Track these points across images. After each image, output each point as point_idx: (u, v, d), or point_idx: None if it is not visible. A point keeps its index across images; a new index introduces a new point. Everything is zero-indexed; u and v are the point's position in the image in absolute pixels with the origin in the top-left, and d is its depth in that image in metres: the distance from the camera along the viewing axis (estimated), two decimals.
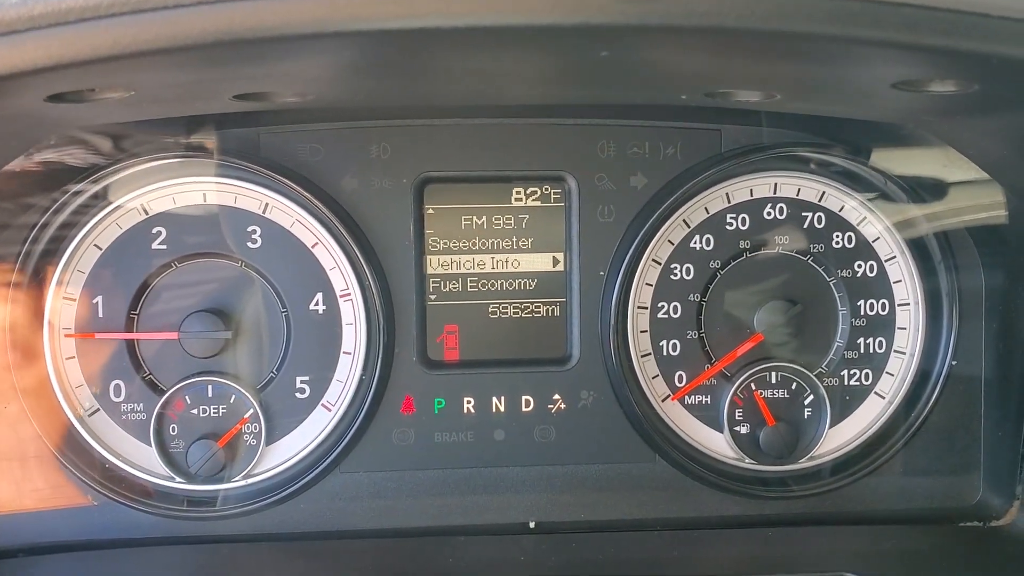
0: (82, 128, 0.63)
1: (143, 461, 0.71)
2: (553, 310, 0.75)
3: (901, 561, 0.68)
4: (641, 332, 0.74)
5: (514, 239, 0.76)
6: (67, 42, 0.44)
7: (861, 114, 0.66)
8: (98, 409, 0.73)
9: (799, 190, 0.74)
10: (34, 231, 0.70)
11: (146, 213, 0.71)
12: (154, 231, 0.73)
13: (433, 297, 0.77)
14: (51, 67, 0.45)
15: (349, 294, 0.74)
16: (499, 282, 0.75)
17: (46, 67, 0.45)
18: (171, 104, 0.61)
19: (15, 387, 0.71)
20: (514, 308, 0.77)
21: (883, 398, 0.76)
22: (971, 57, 0.45)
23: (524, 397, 0.75)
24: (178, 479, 0.71)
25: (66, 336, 0.71)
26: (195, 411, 0.74)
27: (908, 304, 0.74)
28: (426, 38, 0.44)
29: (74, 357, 0.71)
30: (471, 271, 0.76)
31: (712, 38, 0.45)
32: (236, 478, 0.72)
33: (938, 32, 0.44)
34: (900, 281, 0.74)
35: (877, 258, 0.75)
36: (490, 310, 0.76)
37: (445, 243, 0.75)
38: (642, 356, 0.75)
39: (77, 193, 0.71)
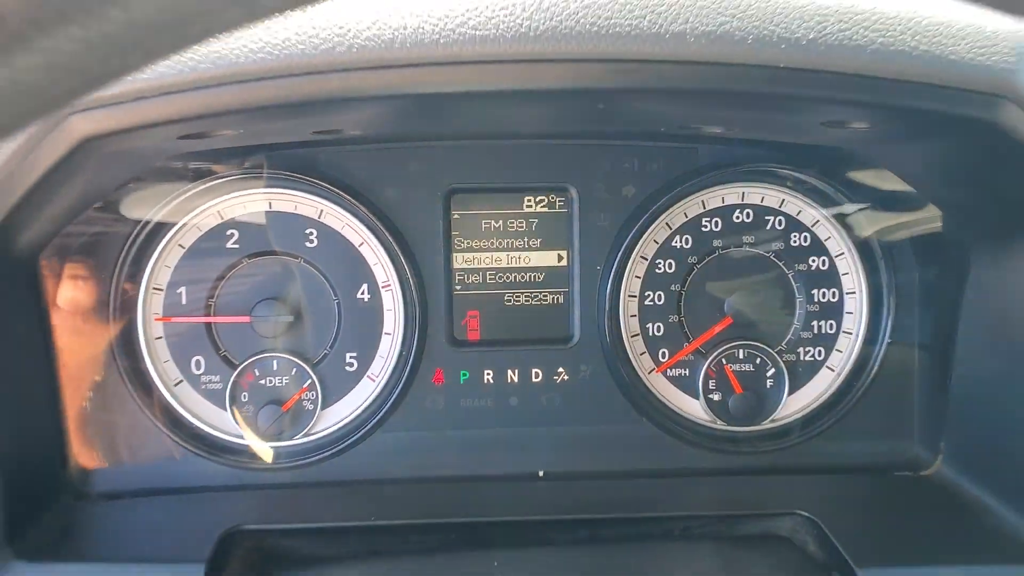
0: (187, 154, 0.74)
1: (220, 423, 0.82)
2: (558, 298, 0.86)
3: (845, 502, 0.78)
4: (631, 316, 0.85)
5: (525, 239, 0.86)
6: (193, 103, 0.56)
7: (805, 141, 0.76)
8: (182, 380, 0.83)
9: (763, 198, 0.85)
10: (133, 235, 0.79)
11: (221, 218, 0.82)
12: (228, 233, 0.83)
13: (458, 288, 0.88)
14: (176, 120, 0.58)
15: (389, 285, 0.84)
16: (513, 275, 0.86)
17: (173, 120, 0.58)
18: (266, 137, 0.73)
19: (117, 362, 0.80)
20: (525, 297, 0.87)
21: (833, 371, 0.86)
22: (872, 107, 0.57)
23: (534, 370, 0.86)
24: (249, 438, 0.81)
25: (156, 320, 0.80)
26: (263, 381, 0.84)
27: (854, 293, 0.85)
28: (462, 97, 0.57)
29: (162, 337, 0.82)
30: (490, 266, 0.86)
31: (679, 96, 0.57)
32: (297, 437, 0.82)
33: (848, 91, 0.57)
34: (848, 274, 0.85)
35: (828, 255, 0.85)
36: (505, 298, 0.87)
37: (468, 243, 0.85)
38: (631, 336, 0.85)
39: (166, 203, 0.80)
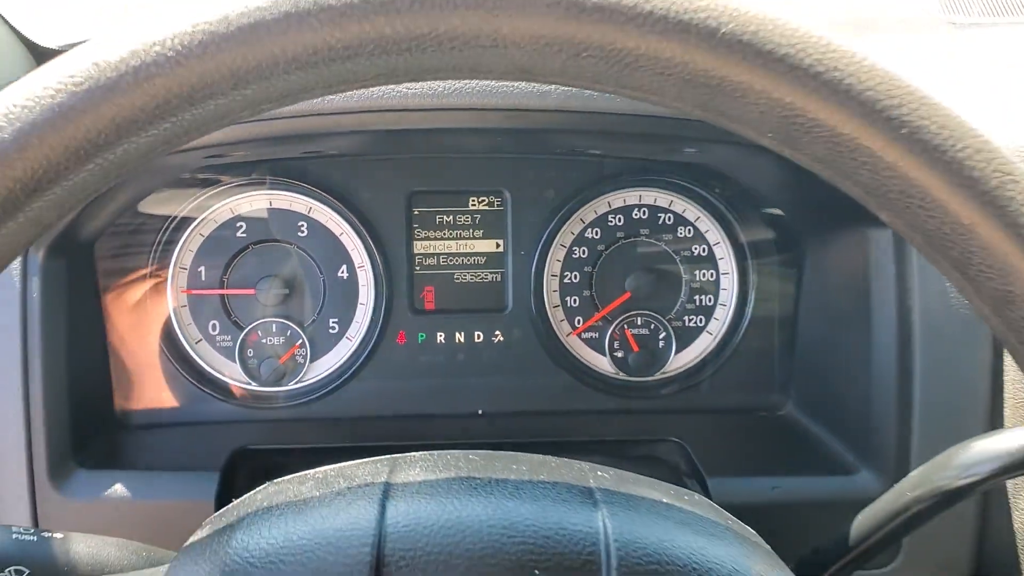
0: (207, 167, 0.94)
1: (231, 372, 0.99)
2: (496, 277, 1.01)
3: (712, 434, 0.96)
4: (553, 291, 1.01)
5: (470, 231, 1.01)
6: (224, 136, 0.77)
7: (674, 158, 0.96)
8: (201, 339, 0.98)
9: (655, 199, 1.01)
10: (165, 227, 0.97)
11: (232, 213, 0.97)
12: (238, 225, 0.97)
13: (418, 268, 1.01)
14: (211, 145, 0.79)
15: (364, 266, 0.99)
16: (461, 259, 1.01)
17: (208, 146, 0.79)
18: (270, 155, 0.93)
19: (154, 325, 0.98)
20: (470, 275, 1.01)
21: (711, 335, 1.03)
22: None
23: (476, 332, 1.01)
24: (253, 384, 0.99)
25: (181, 292, 0.98)
26: (264, 340, 0.99)
27: (728, 274, 1.02)
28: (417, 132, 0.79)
29: (186, 306, 0.98)
30: (442, 252, 1.00)
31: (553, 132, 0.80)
32: (291, 384, 0.99)
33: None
34: (723, 259, 1.02)
35: (708, 243, 1.01)
36: (455, 277, 1.01)
37: (426, 233, 1.00)
38: (553, 307, 1.01)
39: (190, 202, 0.97)
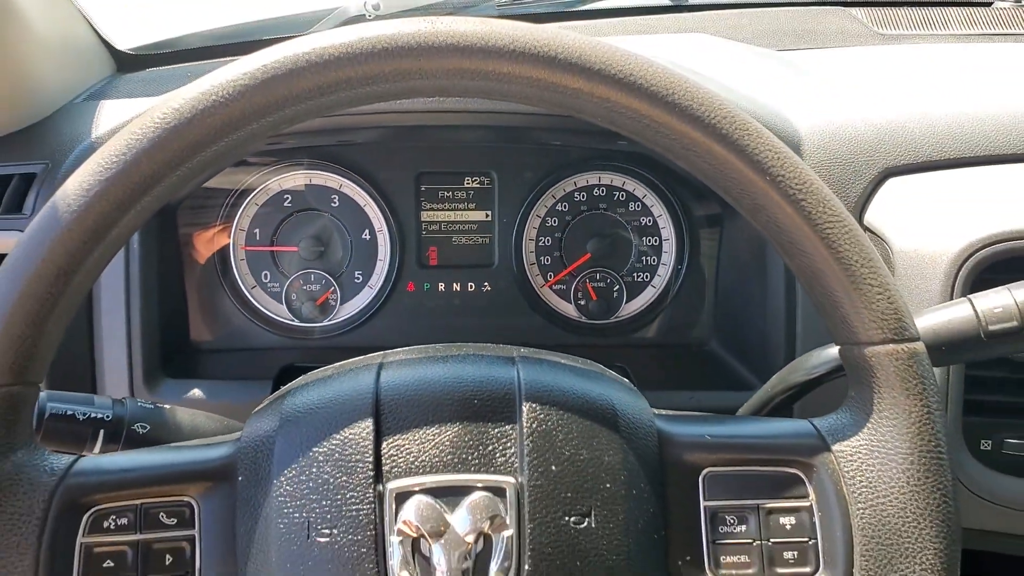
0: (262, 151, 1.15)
1: (278, 312, 1.19)
2: (485, 240, 1.22)
3: (652, 362, 1.16)
4: (529, 252, 1.21)
5: (465, 203, 1.20)
6: None
7: (621, 147, 1.15)
8: (256, 286, 1.18)
9: (612, 180, 1.20)
10: (229, 196, 1.18)
11: (280, 188, 1.17)
12: (284, 197, 1.18)
13: (424, 232, 1.20)
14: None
15: (382, 230, 1.19)
16: (458, 225, 1.21)
17: None
18: (310, 142, 1.15)
19: (217, 273, 1.19)
20: (465, 239, 1.22)
21: (655, 288, 1.21)
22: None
23: (469, 283, 1.21)
24: (295, 320, 1.20)
25: (240, 248, 1.18)
26: (304, 287, 1.19)
27: (669, 239, 1.22)
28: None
29: (244, 259, 1.18)
30: (444, 220, 1.20)
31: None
32: (325, 321, 1.20)
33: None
34: (665, 228, 1.21)
35: (652, 215, 1.21)
36: (452, 239, 1.21)
37: (431, 205, 1.20)
38: (530, 264, 1.21)
39: (248, 177, 1.19)
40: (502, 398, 0.62)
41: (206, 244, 1.20)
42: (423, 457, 0.60)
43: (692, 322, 1.24)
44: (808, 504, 0.66)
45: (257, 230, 1.20)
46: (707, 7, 1.65)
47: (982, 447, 0.93)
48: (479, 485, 0.60)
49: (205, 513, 0.62)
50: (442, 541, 0.58)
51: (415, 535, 0.58)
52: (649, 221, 1.24)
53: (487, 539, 0.59)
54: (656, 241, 1.25)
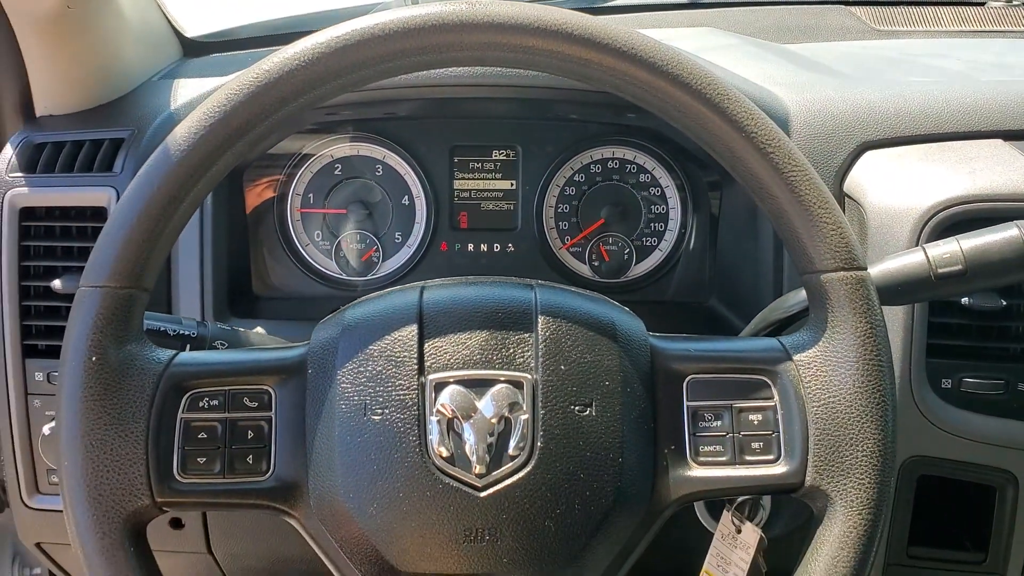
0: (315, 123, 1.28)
1: (328, 266, 1.30)
2: (510, 206, 1.31)
3: (658, 315, 1.28)
4: (549, 217, 1.30)
5: (492, 173, 1.29)
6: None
7: (634, 123, 1.23)
8: (309, 243, 1.28)
9: (624, 154, 1.28)
10: (288, 163, 1.28)
11: (332, 158, 1.27)
12: (335, 165, 1.27)
13: (456, 199, 1.29)
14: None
15: (420, 196, 1.28)
16: (486, 192, 1.30)
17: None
18: (358, 114, 1.25)
19: (276, 231, 1.30)
20: (492, 204, 1.31)
21: (662, 251, 1.32)
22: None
23: (495, 244, 1.31)
24: (343, 274, 1.30)
25: (296, 210, 1.29)
26: (351, 245, 1.28)
27: (675, 208, 1.31)
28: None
29: (299, 220, 1.28)
30: (474, 188, 1.30)
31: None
32: (369, 275, 1.30)
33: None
34: (672, 197, 1.30)
35: (660, 186, 1.30)
36: (481, 205, 1.31)
37: (462, 174, 1.29)
38: (549, 229, 1.30)
39: (304, 147, 1.29)
40: (522, 312, 0.74)
41: (266, 205, 1.30)
42: (457, 356, 0.73)
43: (695, 281, 1.32)
44: (772, 404, 0.79)
45: (311, 194, 1.30)
46: (718, 4, 1.79)
47: (943, 385, 1.05)
48: (502, 378, 0.72)
49: (280, 400, 0.78)
50: (471, 421, 0.71)
51: (449, 416, 0.71)
52: (657, 192, 1.34)
53: (507, 421, 0.71)
54: (663, 209, 1.33)
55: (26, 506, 1.21)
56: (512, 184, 1.33)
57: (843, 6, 1.78)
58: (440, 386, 0.72)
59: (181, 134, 0.70)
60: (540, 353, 0.72)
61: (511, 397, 0.72)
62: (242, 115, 0.71)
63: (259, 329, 1.18)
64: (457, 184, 1.32)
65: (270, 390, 0.75)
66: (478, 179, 1.33)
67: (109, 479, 0.68)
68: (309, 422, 0.73)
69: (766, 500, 1.07)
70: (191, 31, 1.59)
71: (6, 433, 1.21)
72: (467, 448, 0.70)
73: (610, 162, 1.33)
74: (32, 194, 1.10)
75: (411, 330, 0.73)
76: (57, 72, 1.17)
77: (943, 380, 1.02)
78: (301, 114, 0.77)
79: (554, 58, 0.77)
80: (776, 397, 0.76)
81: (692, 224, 1.33)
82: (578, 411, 0.72)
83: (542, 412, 0.71)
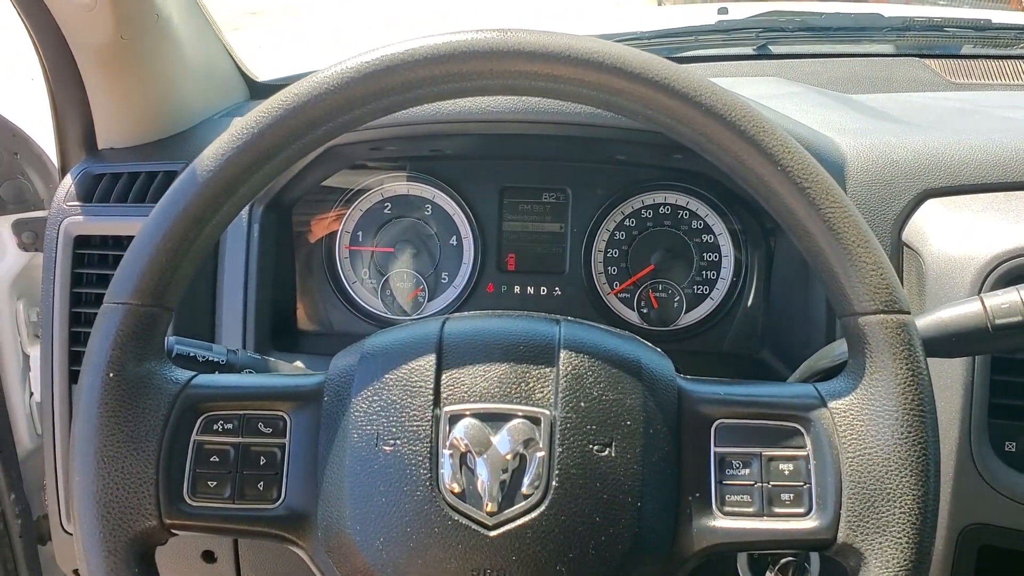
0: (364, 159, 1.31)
1: (374, 305, 1.30)
2: (558, 250, 1.30)
3: (706, 367, 1.26)
4: (598, 262, 1.29)
5: (542, 215, 1.29)
6: (388, 132, 1.21)
7: (680, 166, 1.23)
8: (356, 281, 1.29)
9: (676, 200, 1.28)
10: (338, 200, 1.30)
11: (382, 196, 1.29)
12: (385, 203, 1.29)
13: (505, 240, 1.29)
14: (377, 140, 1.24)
15: (468, 237, 1.28)
16: (534, 235, 1.30)
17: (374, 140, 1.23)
18: (405, 151, 1.27)
19: (325, 268, 1.31)
20: (540, 247, 1.30)
21: (713, 300, 1.29)
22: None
23: (542, 287, 1.30)
24: (388, 313, 1.30)
25: (345, 248, 1.30)
26: (397, 284, 1.29)
27: (727, 256, 1.28)
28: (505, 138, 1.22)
29: (347, 257, 1.29)
30: (522, 230, 1.29)
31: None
32: (413, 315, 1.29)
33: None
34: (724, 245, 1.27)
35: (713, 233, 1.28)
36: (529, 247, 1.29)
37: (511, 216, 1.29)
38: (598, 273, 1.29)
39: (355, 184, 1.31)
40: (544, 346, 0.72)
41: (315, 241, 1.32)
42: (474, 388, 0.71)
43: (748, 331, 1.29)
44: (805, 453, 0.75)
45: (360, 232, 1.32)
46: (788, 56, 1.78)
47: (1007, 448, 0.99)
48: (519, 413, 0.70)
49: (295, 426, 0.76)
50: (485, 456, 0.69)
51: (463, 450, 0.69)
52: (710, 239, 1.32)
53: (522, 458, 0.69)
54: (716, 257, 1.31)
55: (65, 531, 1.22)
56: (561, 227, 1.32)
57: (917, 59, 1.74)
58: (455, 419, 0.70)
59: (209, 155, 0.71)
60: (560, 389, 0.70)
61: (527, 433, 0.69)
62: (270, 137, 0.71)
63: (298, 364, 1.18)
64: (506, 226, 1.32)
65: (285, 416, 0.74)
66: (527, 221, 1.33)
67: (119, 497, 0.68)
68: (321, 450, 0.72)
69: (813, 562, 1.01)
70: (260, 75, 1.63)
71: (49, 458, 1.23)
72: (479, 484, 0.67)
73: (662, 207, 1.32)
74: (87, 222, 1.13)
75: (429, 360, 0.72)
76: (118, 105, 1.21)
77: (1007, 443, 0.96)
78: (330, 139, 0.77)
79: (585, 87, 0.76)
80: (809, 446, 0.72)
81: (745, 272, 1.30)
82: (596, 451, 0.70)
83: (559, 450, 0.68)
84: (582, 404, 0.70)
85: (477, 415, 0.70)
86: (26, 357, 1.42)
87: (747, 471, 0.75)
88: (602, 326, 0.77)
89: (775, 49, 1.78)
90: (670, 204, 1.32)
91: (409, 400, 0.71)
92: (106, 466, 0.68)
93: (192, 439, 0.72)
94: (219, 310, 1.15)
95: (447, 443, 0.69)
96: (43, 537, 1.42)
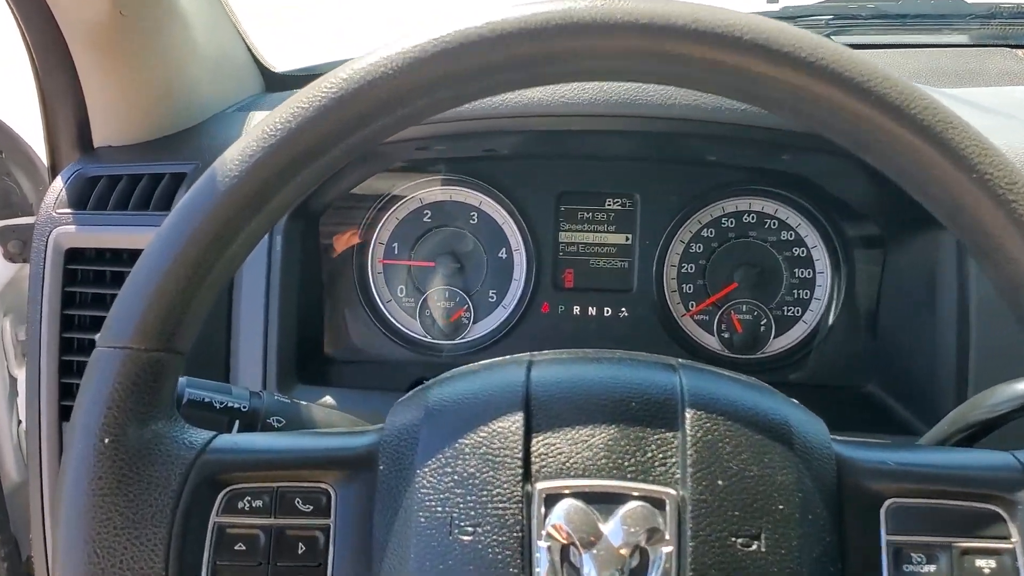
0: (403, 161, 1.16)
1: (412, 327, 1.19)
2: (624, 264, 1.18)
3: (802, 402, 1.17)
4: (671, 279, 1.17)
5: (605, 225, 1.17)
6: (435, 129, 1.03)
7: (775, 167, 1.11)
8: (391, 300, 1.18)
9: (763, 207, 1.16)
10: (371, 208, 1.18)
11: (421, 203, 1.18)
12: (424, 211, 1.18)
13: (561, 254, 1.17)
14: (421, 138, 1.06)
15: (519, 250, 1.17)
16: (596, 248, 1.18)
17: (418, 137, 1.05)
18: (455, 150, 1.14)
19: (356, 285, 1.20)
20: (603, 262, 1.18)
21: (806, 324, 1.17)
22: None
23: (606, 308, 1.17)
24: (428, 337, 1.20)
25: (379, 261, 1.20)
26: (438, 303, 1.18)
27: (823, 273, 1.16)
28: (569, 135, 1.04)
29: (382, 273, 1.19)
30: (582, 241, 1.17)
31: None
32: (457, 339, 1.19)
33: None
34: (820, 260, 1.16)
35: (806, 246, 1.16)
36: (590, 262, 1.18)
37: (569, 226, 1.16)
38: (671, 292, 1.16)
39: (391, 189, 1.20)
40: (663, 403, 0.58)
41: (345, 253, 1.21)
42: (576, 458, 0.56)
43: (848, 361, 1.16)
44: (1011, 546, 0.59)
45: (396, 244, 1.20)
46: (869, 47, 1.63)
47: None
48: (636, 494, 0.56)
49: (342, 502, 0.61)
50: (594, 551, 0.55)
51: (565, 542, 0.55)
52: (803, 252, 1.19)
53: (643, 554, 0.55)
54: (809, 274, 1.19)
55: None
56: (628, 238, 1.20)
57: (1008, 48, 1.58)
58: (552, 499, 0.55)
59: (233, 157, 0.57)
60: (689, 461, 0.56)
61: (649, 521, 0.55)
62: (311, 135, 0.56)
63: (328, 399, 1.01)
64: (563, 237, 1.20)
65: (329, 489, 0.60)
66: (588, 231, 1.20)
67: None
68: (378, 537, 0.59)
69: None
70: (277, 65, 1.48)
71: (35, 499, 1.06)
72: None
73: (746, 216, 1.19)
74: (80, 233, 0.99)
75: (515, 420, 0.58)
76: (116, 96, 1.05)
77: None
78: (383, 137, 0.60)
79: (716, 71, 0.58)
80: (1016, 536, 0.59)
81: (845, 291, 1.17)
82: (741, 544, 0.56)
83: (691, 544, 0.54)
84: (719, 482, 0.56)
85: (581, 495, 0.55)
86: (13, 380, 1.26)
87: (932, 567, 0.59)
88: (727, 372, 0.64)
89: (846, 39, 1.63)
90: (755, 212, 1.19)
91: (491, 474, 0.56)
92: (99, 560, 0.55)
93: (212, 521, 0.58)
94: (235, 335, 1.03)
95: (543, 532, 0.54)
96: None
